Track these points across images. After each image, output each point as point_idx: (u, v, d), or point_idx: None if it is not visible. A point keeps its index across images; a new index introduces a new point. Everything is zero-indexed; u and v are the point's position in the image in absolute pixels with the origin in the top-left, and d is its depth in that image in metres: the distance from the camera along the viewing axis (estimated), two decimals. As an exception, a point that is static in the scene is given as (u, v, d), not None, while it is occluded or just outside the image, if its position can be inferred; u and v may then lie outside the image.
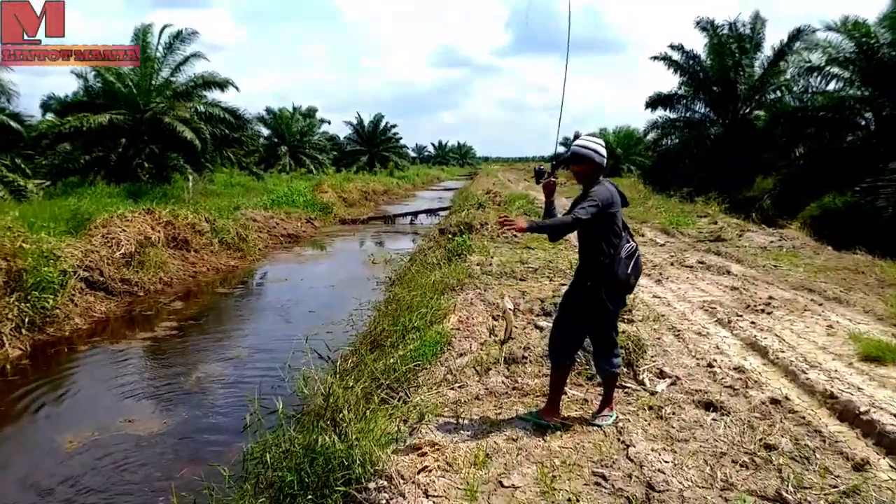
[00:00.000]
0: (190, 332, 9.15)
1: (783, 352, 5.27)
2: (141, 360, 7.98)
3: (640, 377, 4.57)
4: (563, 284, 7.04)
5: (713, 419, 3.84)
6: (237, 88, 23.07)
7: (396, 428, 3.58)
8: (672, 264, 9.68)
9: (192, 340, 8.79)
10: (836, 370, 4.80)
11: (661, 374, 4.64)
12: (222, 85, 22.22)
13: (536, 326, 5.83)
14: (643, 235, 12.83)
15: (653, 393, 4.31)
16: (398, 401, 4.32)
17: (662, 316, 6.46)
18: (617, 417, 3.87)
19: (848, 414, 4.01)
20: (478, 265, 8.98)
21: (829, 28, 18.26)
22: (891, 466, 3.38)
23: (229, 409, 6.25)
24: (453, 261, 9.65)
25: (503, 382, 4.52)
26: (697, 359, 5.12)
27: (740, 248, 10.89)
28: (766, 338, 5.68)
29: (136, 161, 21.53)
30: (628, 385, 4.45)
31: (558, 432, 3.63)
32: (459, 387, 4.49)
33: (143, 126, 20.79)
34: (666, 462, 3.25)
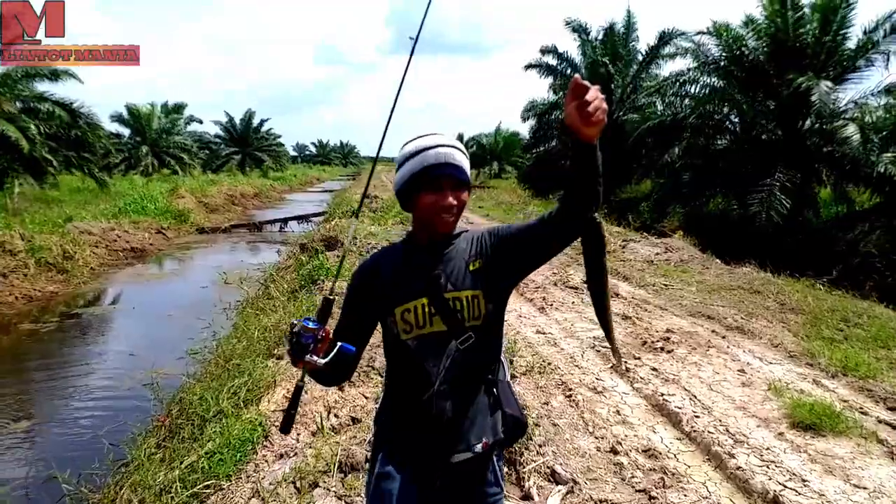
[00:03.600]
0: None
1: (698, 417, 4.21)
2: None
3: (526, 484, 3.30)
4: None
5: (632, 571, 2.63)
6: (79, 80, 20.08)
7: None
8: (556, 284, 8.65)
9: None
10: (767, 447, 3.76)
11: (553, 476, 3.40)
12: (53, 76, 19.18)
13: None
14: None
15: (544, 514, 3.06)
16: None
17: (549, 365, 5.29)
18: None
19: (805, 536, 2.93)
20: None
21: (699, 32, 18.20)
22: None
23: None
24: (305, 290, 8.07)
25: (333, 508, 3.10)
26: (597, 437, 3.94)
27: (626, 263, 10.08)
28: (673, 394, 4.62)
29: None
30: (510, 502, 3.17)
31: None
32: (268, 521, 3.03)
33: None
34: None
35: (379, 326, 1.83)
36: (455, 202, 1.69)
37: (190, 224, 21.73)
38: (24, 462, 5.34)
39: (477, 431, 1.74)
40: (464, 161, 1.73)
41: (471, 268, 1.74)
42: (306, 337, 1.61)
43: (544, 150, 27.17)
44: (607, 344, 1.65)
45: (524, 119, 27.21)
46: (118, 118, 40.34)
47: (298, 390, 1.74)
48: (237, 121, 53.48)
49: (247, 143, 53.05)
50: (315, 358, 1.60)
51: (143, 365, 7.32)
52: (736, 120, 18.30)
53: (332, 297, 1.74)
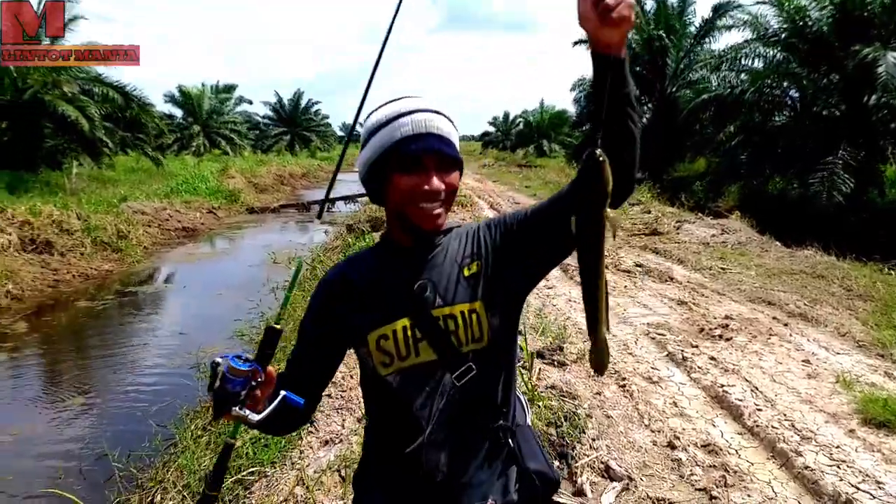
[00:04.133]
0: (21, 369, 7.28)
1: (761, 410, 3.99)
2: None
3: (579, 480, 3.16)
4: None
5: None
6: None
7: None
8: (607, 267, 8.40)
9: (18, 383, 6.93)
10: (837, 445, 3.53)
11: (607, 472, 3.25)
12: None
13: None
14: (573, 228, 11.58)
15: (598, 513, 2.93)
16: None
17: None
18: None
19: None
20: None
21: (758, 2, 17.40)
22: None
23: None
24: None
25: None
26: (653, 431, 3.77)
27: (681, 245, 9.75)
28: (733, 385, 4.40)
29: (17, 148, 18.88)
30: (563, 499, 3.04)
31: None
32: (312, 511, 2.97)
33: (21, 108, 18.17)
34: None
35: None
36: (442, 186, 1.27)
37: (240, 204, 22.04)
38: (79, 437, 5.43)
39: (482, 490, 1.33)
40: (451, 131, 1.32)
41: (465, 273, 1.34)
42: (234, 382, 1.16)
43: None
44: (596, 328, 1.19)
45: (576, 101, 26.79)
46: (171, 98, 41.32)
47: (227, 450, 1.35)
48: (286, 101, 54.00)
49: (295, 124, 53.58)
50: (246, 412, 1.17)
51: (193, 343, 7.40)
52: (796, 95, 17.50)
53: (278, 327, 1.31)
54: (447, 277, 1.33)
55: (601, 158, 1.07)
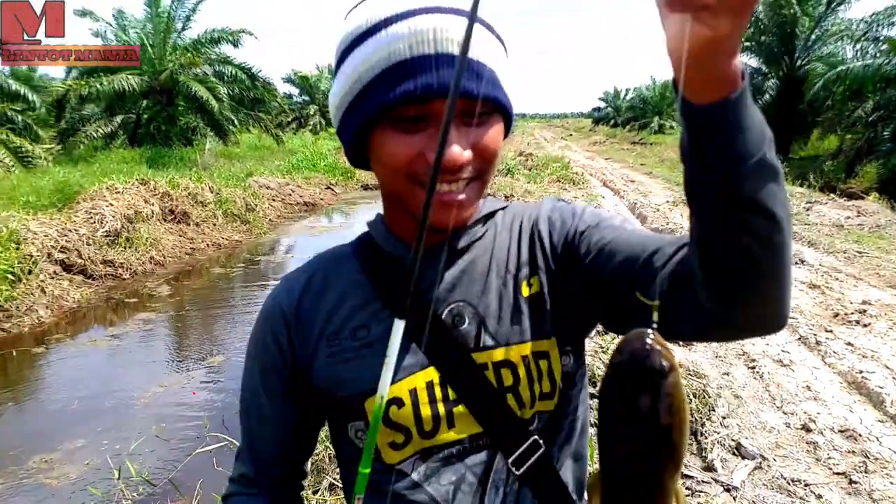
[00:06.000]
0: (165, 328, 7.98)
1: (904, 399, 3.81)
2: (78, 373, 6.66)
3: (709, 457, 3.16)
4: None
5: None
6: (255, 36, 21.41)
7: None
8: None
9: (162, 337, 7.62)
10: None
11: (739, 450, 3.23)
12: (234, 40, 20.63)
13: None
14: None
15: (729, 489, 2.92)
16: None
17: (728, 333, 5.01)
18: None
19: None
20: None
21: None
22: None
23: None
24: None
25: None
26: (786, 413, 3.69)
27: (811, 227, 9.25)
28: (872, 372, 4.21)
29: (154, 124, 20.48)
30: (692, 472, 3.06)
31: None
32: None
33: (159, 87, 19.63)
34: None
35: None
36: (468, 154, 0.70)
37: (355, 181, 22.78)
38: (219, 392, 5.92)
39: None
40: (489, 51, 0.72)
41: (524, 291, 0.80)
42: None
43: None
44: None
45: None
46: (288, 80, 43.27)
47: None
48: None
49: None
50: None
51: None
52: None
53: None
54: (497, 298, 0.80)
55: (660, 363, 0.49)
